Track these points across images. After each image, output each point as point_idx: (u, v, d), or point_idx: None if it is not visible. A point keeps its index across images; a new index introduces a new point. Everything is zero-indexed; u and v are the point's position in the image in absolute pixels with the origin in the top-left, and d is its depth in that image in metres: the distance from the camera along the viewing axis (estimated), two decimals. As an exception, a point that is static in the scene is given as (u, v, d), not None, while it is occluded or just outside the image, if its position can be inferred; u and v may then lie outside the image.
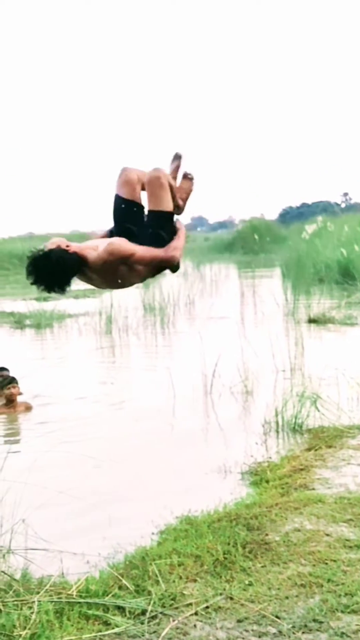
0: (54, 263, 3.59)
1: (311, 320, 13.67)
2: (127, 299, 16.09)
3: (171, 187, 4.04)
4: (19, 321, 16.18)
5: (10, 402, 8.17)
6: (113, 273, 3.83)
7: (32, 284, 3.65)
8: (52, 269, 3.60)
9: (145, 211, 4.05)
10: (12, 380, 8.26)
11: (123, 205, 4.00)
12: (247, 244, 38.53)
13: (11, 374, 8.74)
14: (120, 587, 3.75)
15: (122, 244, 3.75)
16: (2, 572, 3.82)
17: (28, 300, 17.55)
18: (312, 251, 21.57)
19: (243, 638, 3.27)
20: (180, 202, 4.26)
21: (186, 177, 4.35)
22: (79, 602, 3.57)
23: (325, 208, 51.42)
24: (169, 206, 4.04)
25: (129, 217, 4.01)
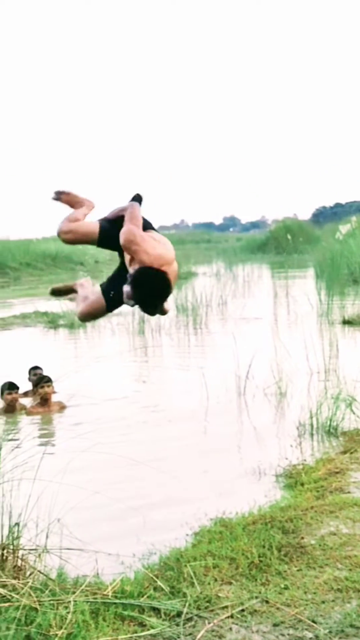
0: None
1: (345, 322, 13.57)
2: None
3: None
4: (52, 321, 16.27)
5: (45, 401, 8.21)
6: None
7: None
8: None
9: None
10: (46, 379, 8.31)
11: None
12: (280, 244, 38.36)
13: (45, 373, 8.79)
14: (155, 589, 3.76)
15: None
16: (39, 571, 3.84)
17: (61, 300, 17.62)
18: (346, 251, 21.39)
19: (279, 642, 3.25)
20: None
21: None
22: (115, 603, 3.58)
23: (359, 208, 51.05)
24: None
25: None
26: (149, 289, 4.23)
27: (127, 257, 4.57)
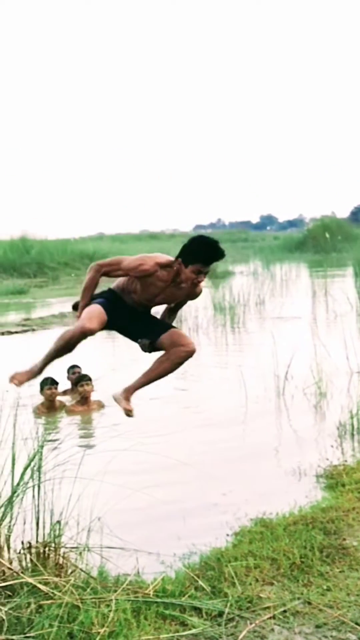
0: None
1: (386, 321, 13.46)
2: (197, 299, 16.08)
3: None
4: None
5: (85, 399, 8.26)
6: None
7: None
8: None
9: None
10: (86, 378, 8.35)
11: None
12: (318, 242, 38.12)
13: (83, 372, 8.84)
14: (196, 588, 3.75)
15: None
16: (80, 569, 3.86)
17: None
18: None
19: (322, 644, 3.23)
20: None
21: None
22: (156, 602, 3.58)
23: None
24: None
25: None
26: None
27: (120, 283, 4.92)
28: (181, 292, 4.75)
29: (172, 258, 4.57)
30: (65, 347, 4.67)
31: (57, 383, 8.46)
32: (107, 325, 4.74)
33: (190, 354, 4.79)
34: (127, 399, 4.79)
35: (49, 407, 8.34)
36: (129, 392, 4.83)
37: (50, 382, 8.37)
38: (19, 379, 4.71)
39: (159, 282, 4.61)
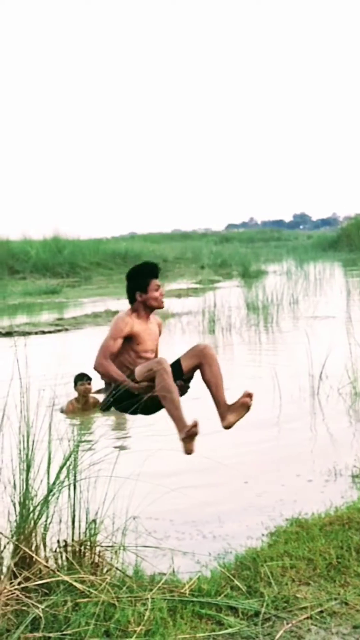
0: None
1: None
2: (230, 298, 16.09)
3: None
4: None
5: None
6: None
7: None
8: None
9: None
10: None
11: None
12: (352, 241, 37.89)
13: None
14: (232, 588, 3.74)
15: None
16: (116, 568, 3.87)
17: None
18: None
19: (359, 645, 3.20)
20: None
21: None
22: (192, 601, 3.58)
23: None
24: None
25: None
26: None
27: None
28: (155, 327, 5.30)
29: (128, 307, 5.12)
30: (173, 392, 4.92)
31: (90, 378, 8.49)
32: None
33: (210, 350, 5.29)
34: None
35: (83, 403, 8.37)
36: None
37: (84, 378, 8.41)
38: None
39: (144, 327, 5.13)
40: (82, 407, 8.32)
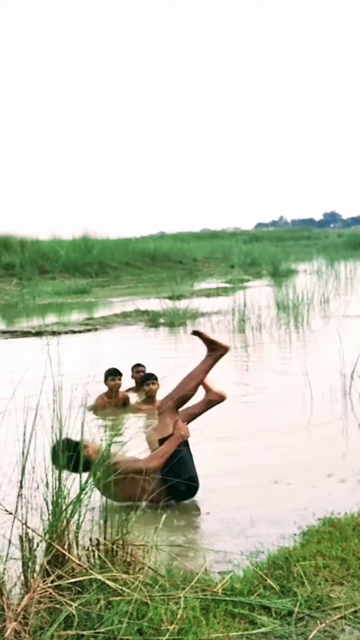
0: None
1: None
2: (260, 298, 16.03)
3: None
4: (152, 320, 16.41)
5: (150, 398, 8.29)
6: None
7: None
8: None
9: None
10: (152, 377, 8.38)
11: None
12: (383, 239, 37.57)
13: (147, 371, 8.88)
14: (264, 587, 3.73)
15: None
16: (149, 567, 3.87)
17: (161, 299, 17.78)
18: None
19: (394, 646, 3.17)
20: None
21: None
22: (225, 600, 3.57)
23: None
24: None
25: None
26: None
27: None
28: None
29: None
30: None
31: (120, 374, 8.53)
32: None
33: None
34: None
35: (112, 398, 8.40)
36: None
37: (113, 373, 8.45)
38: None
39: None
40: (112, 402, 8.35)
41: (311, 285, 18.32)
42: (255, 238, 55.04)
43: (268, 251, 37.13)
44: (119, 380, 8.49)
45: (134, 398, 8.86)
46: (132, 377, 9.28)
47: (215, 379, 9.16)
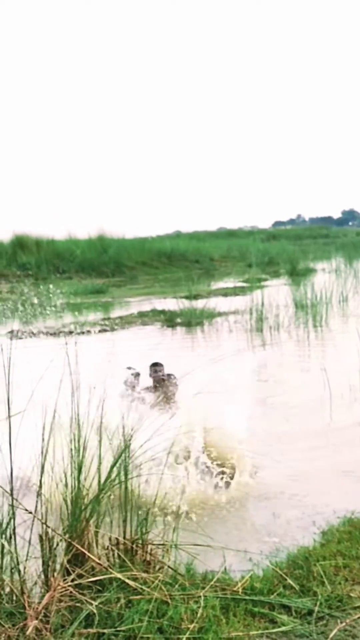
0: None
1: None
2: (277, 297, 15.99)
3: None
4: (169, 319, 16.41)
5: (168, 397, 8.30)
6: None
7: None
8: None
9: None
10: (172, 377, 8.39)
11: None
12: None
13: (165, 371, 8.88)
14: (284, 586, 3.73)
15: None
16: (168, 566, 3.87)
17: (178, 298, 17.78)
18: None
19: None
20: None
21: None
22: (245, 599, 3.57)
23: None
24: None
25: None
26: None
27: None
28: None
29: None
30: None
31: (138, 374, 8.55)
32: None
33: None
34: None
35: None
36: None
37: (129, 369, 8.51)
38: None
39: None
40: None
41: (329, 284, 18.23)
42: (272, 236, 54.91)
43: (286, 250, 37.04)
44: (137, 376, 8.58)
45: (150, 397, 8.86)
46: (150, 376, 9.28)
47: (234, 378, 9.16)
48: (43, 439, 3.73)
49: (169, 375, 8.46)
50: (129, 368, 9.17)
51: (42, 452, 3.72)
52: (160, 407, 8.33)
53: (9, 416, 3.54)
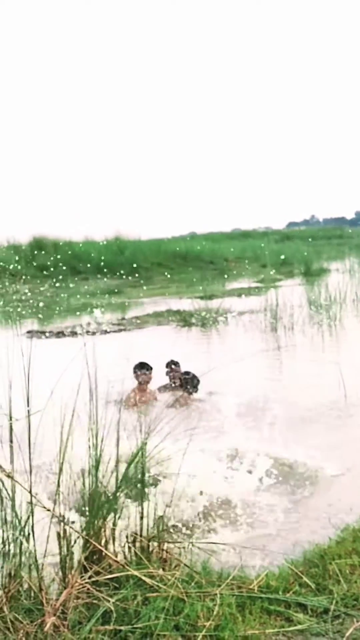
0: None
1: None
2: (292, 297, 15.99)
3: None
4: (185, 320, 16.44)
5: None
6: None
7: None
8: None
9: None
10: (195, 380, 8.49)
11: None
12: None
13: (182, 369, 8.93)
14: (300, 585, 3.74)
15: None
16: (185, 564, 3.90)
17: (193, 299, 17.81)
18: None
19: None
20: None
21: None
22: (260, 597, 3.59)
23: None
24: None
25: None
26: None
27: None
28: None
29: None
30: None
31: (151, 368, 8.61)
32: None
33: None
34: None
35: (141, 391, 8.48)
36: None
37: (144, 367, 8.55)
38: None
39: None
40: (139, 396, 8.42)
41: (343, 284, 18.20)
42: (286, 237, 54.76)
43: (300, 250, 36.97)
44: (149, 374, 8.62)
45: (165, 396, 8.89)
46: (167, 374, 9.31)
47: (250, 377, 9.18)
48: (62, 438, 3.76)
49: (186, 373, 8.50)
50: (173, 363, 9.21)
51: (60, 450, 3.75)
52: (177, 407, 8.37)
53: (28, 414, 3.57)
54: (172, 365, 9.29)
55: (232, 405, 7.35)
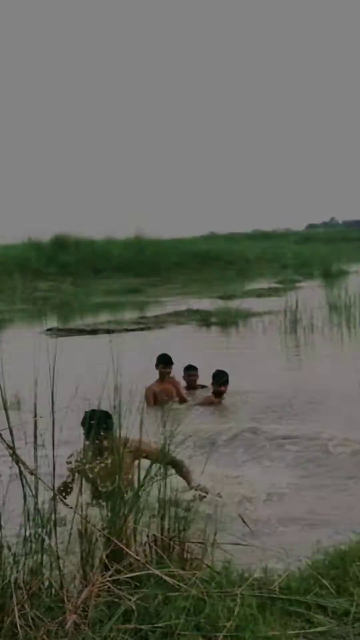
0: None
1: None
2: (311, 299, 15.96)
3: None
4: (204, 319, 16.44)
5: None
6: None
7: None
8: None
9: None
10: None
11: None
12: None
13: (200, 371, 8.97)
14: (320, 586, 3.73)
15: None
16: (206, 564, 3.90)
17: (213, 299, 17.82)
18: None
19: None
20: None
21: None
22: (281, 598, 3.58)
23: None
24: None
25: None
26: None
27: None
28: None
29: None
30: None
31: (172, 363, 8.63)
32: None
33: None
34: None
35: (161, 384, 8.52)
36: None
37: (165, 360, 8.55)
38: None
39: None
40: (159, 388, 8.46)
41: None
42: (306, 238, 54.66)
43: (319, 252, 36.89)
44: (169, 368, 8.67)
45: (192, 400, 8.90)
46: (184, 378, 9.31)
47: (267, 378, 9.17)
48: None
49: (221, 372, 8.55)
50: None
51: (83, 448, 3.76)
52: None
53: (52, 412, 3.59)
54: (190, 369, 9.29)
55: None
